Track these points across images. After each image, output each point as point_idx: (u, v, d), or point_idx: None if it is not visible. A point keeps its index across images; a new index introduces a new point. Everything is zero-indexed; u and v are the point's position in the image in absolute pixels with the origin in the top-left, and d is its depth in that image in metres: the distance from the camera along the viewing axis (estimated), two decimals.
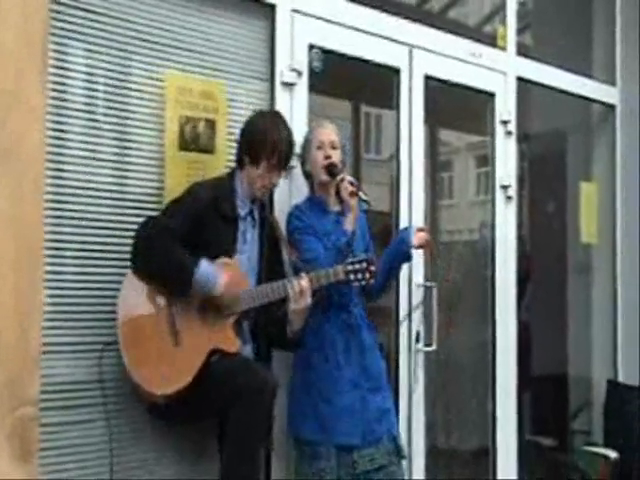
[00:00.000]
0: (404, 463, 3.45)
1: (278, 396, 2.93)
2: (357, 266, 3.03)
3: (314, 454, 3.21)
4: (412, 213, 4.01)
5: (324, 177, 3.29)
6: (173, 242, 2.89)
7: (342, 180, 3.18)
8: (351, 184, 3.16)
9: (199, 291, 2.89)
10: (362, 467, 3.22)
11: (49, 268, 2.84)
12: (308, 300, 3.00)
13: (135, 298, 2.91)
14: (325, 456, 3.20)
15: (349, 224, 3.18)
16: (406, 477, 3.54)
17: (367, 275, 3.04)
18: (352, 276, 3.03)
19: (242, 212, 3.11)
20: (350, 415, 3.23)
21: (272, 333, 3.13)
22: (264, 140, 3.06)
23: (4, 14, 1.55)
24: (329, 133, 3.35)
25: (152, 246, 2.88)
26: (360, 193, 3.15)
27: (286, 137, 3.13)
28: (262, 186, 3.11)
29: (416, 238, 3.34)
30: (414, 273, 3.99)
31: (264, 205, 3.24)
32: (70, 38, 3.00)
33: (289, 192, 3.50)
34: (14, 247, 1.66)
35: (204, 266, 2.88)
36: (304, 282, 2.98)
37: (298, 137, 3.50)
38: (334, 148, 3.32)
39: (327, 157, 3.29)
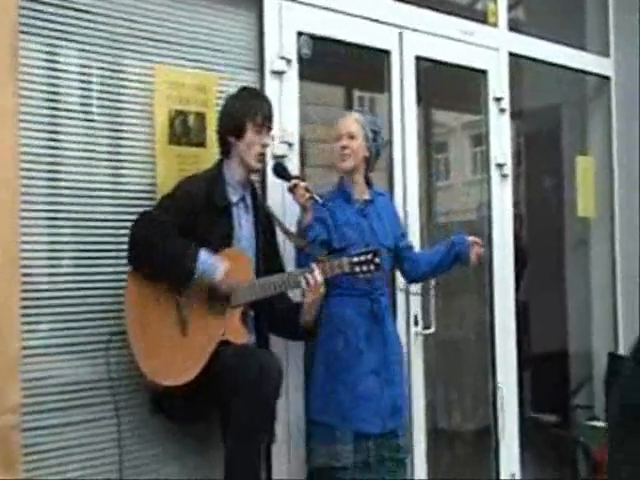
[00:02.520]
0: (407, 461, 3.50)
1: (289, 382, 2.93)
2: (362, 258, 3.04)
3: (332, 437, 3.25)
4: (407, 197, 3.99)
5: (339, 166, 3.41)
6: (169, 233, 2.88)
7: (295, 186, 3.18)
8: (307, 190, 3.16)
9: (200, 281, 2.89)
10: (374, 455, 3.27)
11: (46, 270, 2.86)
12: (322, 291, 3.02)
13: (141, 288, 2.90)
14: (342, 440, 3.23)
15: (308, 219, 3.21)
16: (408, 461, 3.57)
17: (372, 267, 3.04)
18: (357, 268, 3.04)
19: (234, 198, 3.10)
20: (369, 402, 3.27)
21: (285, 325, 3.17)
22: (242, 105, 3.08)
23: None
24: (344, 124, 3.40)
25: (150, 241, 2.87)
26: (315, 196, 3.17)
27: (259, 95, 3.21)
28: (256, 154, 3.09)
29: (474, 255, 3.45)
30: None
31: (255, 191, 3.24)
32: (60, 35, 2.98)
33: (282, 191, 3.42)
34: None
35: (203, 256, 2.88)
36: (318, 276, 3.00)
37: (289, 126, 3.56)
38: (352, 138, 3.36)
39: (343, 147, 3.36)
